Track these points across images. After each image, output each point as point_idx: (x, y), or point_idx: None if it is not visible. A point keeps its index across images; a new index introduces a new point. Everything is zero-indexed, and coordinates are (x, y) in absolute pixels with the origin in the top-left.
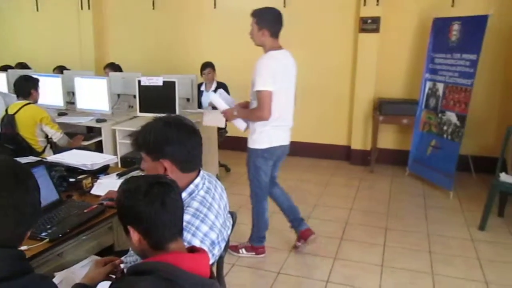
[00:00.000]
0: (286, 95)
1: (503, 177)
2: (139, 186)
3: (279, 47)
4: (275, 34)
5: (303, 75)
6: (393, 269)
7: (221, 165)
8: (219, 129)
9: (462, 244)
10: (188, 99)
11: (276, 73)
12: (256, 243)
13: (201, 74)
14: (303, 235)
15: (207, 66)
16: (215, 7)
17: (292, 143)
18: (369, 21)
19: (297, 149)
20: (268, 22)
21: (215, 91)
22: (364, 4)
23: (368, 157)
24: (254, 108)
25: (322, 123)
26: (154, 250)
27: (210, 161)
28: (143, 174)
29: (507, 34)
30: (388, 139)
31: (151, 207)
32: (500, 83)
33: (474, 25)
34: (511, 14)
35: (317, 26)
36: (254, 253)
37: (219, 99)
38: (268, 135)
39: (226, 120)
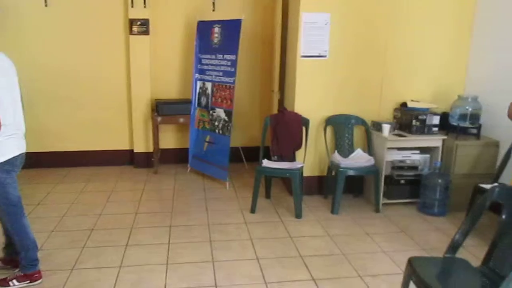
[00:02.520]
0: (13, 100)
1: (265, 163)
2: None
3: None
4: None
5: (73, 81)
6: (178, 264)
7: None
8: None
9: (237, 228)
10: None
11: None
12: (28, 270)
13: None
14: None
15: None
16: None
17: (67, 153)
18: (139, 23)
19: (75, 160)
20: None
21: None
22: (132, 6)
23: (152, 158)
24: None
25: (101, 129)
26: None
27: None
28: None
29: (262, 37)
30: (169, 139)
31: None
32: (259, 80)
33: (231, 28)
34: (262, 20)
35: (85, 28)
36: (28, 281)
37: None
38: (5, 145)
39: None
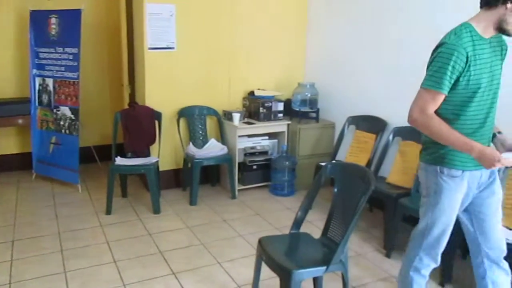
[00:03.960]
0: None
1: (118, 160)
2: None
3: None
4: None
5: None
6: (24, 282)
7: None
8: None
9: (92, 233)
10: None
11: None
12: None
13: None
14: None
15: None
16: None
17: None
18: None
19: None
20: None
21: None
22: None
23: None
24: None
25: None
26: None
27: None
28: None
29: (108, 28)
30: (9, 143)
31: None
32: (108, 74)
33: (70, 19)
34: (107, 9)
35: None
36: None
37: None
38: None
39: None
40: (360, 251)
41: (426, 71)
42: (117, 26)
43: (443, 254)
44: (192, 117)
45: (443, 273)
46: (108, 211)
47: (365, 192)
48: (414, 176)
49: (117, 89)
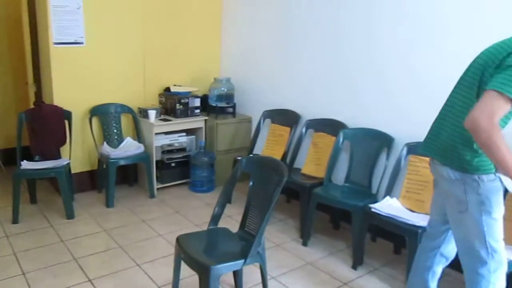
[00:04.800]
0: None
1: (24, 164)
2: None
3: None
4: None
5: None
6: None
7: None
8: None
9: None
10: None
11: None
12: None
13: None
14: None
15: None
16: None
17: None
18: None
19: None
20: None
21: None
22: None
23: None
24: None
25: None
26: None
27: None
28: None
29: (7, 20)
30: None
31: None
32: (10, 71)
33: None
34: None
35: None
36: None
37: None
38: None
39: None
40: (279, 242)
41: (495, 74)
42: (18, 18)
43: (354, 237)
44: (105, 115)
45: (355, 256)
46: (15, 220)
47: (279, 183)
48: (327, 166)
49: (22, 88)
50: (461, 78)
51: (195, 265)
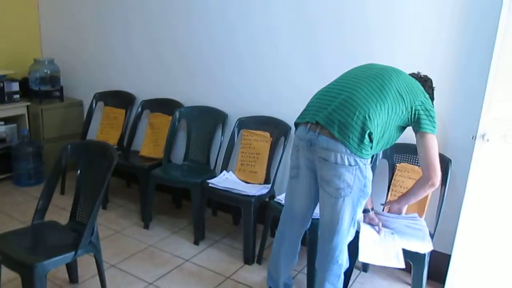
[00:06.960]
0: None
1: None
2: None
3: None
4: None
5: None
6: None
7: None
8: None
9: None
10: None
11: None
12: None
13: None
14: None
15: None
16: None
17: None
18: None
19: None
20: None
21: None
22: None
23: None
24: None
25: None
26: None
27: None
28: None
29: None
30: None
31: None
32: None
33: None
34: None
35: None
36: None
37: None
38: None
39: None
40: (119, 228)
41: (425, 115)
42: None
43: (194, 214)
44: None
45: (196, 232)
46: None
47: (109, 168)
48: (165, 146)
49: None
50: (364, 72)
51: (15, 266)
